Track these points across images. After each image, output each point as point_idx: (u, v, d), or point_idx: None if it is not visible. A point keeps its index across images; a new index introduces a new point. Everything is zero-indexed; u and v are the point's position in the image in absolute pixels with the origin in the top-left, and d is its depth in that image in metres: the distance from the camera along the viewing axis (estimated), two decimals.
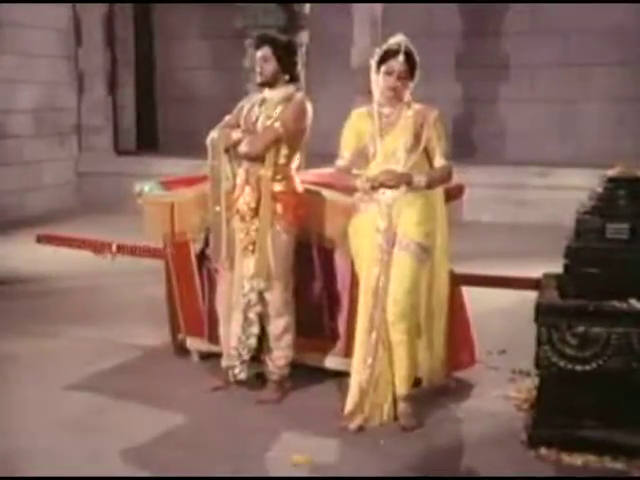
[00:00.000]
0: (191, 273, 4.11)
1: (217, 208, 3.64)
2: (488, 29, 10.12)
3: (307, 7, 7.81)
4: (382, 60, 3.32)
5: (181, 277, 4.16)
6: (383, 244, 3.34)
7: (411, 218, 3.34)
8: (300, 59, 3.77)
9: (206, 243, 3.99)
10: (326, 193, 3.71)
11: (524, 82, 10.03)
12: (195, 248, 4.05)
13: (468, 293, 3.94)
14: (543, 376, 3.22)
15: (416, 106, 3.41)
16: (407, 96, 3.39)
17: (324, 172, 4.01)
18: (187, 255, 4.09)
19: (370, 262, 3.37)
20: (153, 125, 11.35)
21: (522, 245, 7.13)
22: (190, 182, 4.09)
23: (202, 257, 4.06)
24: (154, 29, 11.29)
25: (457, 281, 3.80)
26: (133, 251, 4.81)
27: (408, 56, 3.30)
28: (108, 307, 5.33)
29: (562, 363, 3.12)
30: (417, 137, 3.35)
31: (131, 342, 4.53)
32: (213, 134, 3.64)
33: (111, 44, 10.32)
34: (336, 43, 9.59)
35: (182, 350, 4.25)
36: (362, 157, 3.44)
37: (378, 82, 3.35)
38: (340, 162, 3.47)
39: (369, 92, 3.50)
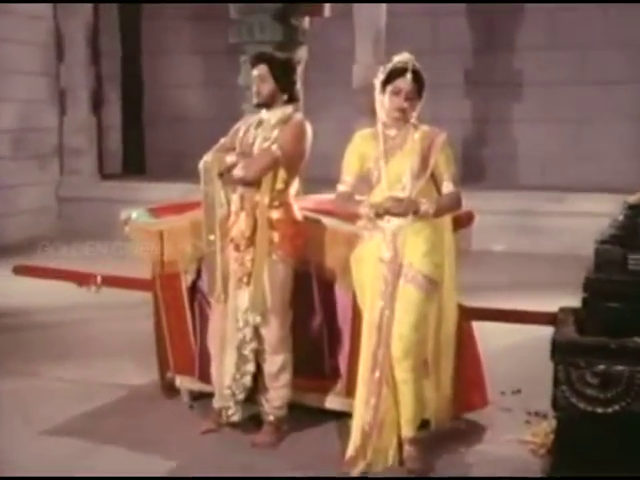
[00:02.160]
0: (182, 306, 4.13)
1: (211, 237, 3.67)
2: (500, 44, 10.21)
3: (306, 22, 7.91)
4: (388, 79, 3.36)
5: (171, 311, 4.17)
6: (388, 275, 3.36)
7: (418, 248, 3.37)
8: (299, 78, 3.83)
9: (198, 274, 4.02)
10: (326, 221, 3.75)
11: (539, 101, 10.10)
12: (186, 279, 4.07)
13: (479, 328, 3.95)
14: (561, 419, 3.22)
15: (423, 128, 3.45)
16: (414, 117, 3.44)
17: (324, 198, 4.04)
18: (177, 287, 4.11)
19: (374, 295, 3.39)
20: (141, 147, 11.41)
21: (537, 277, 7.14)
22: (181, 209, 4.12)
23: (194, 289, 4.08)
24: (142, 44, 11.38)
25: (467, 315, 3.82)
26: (119, 283, 4.83)
27: (416, 75, 3.35)
28: (91, 343, 5.33)
29: (582, 405, 3.12)
30: (424, 161, 3.38)
31: (116, 381, 4.53)
32: (206, 158, 3.68)
33: (96, 60, 10.40)
34: (337, 60, 9.68)
35: (171, 390, 4.26)
36: (365, 182, 3.47)
37: (383, 102, 3.39)
38: (342, 187, 3.50)
39: (372, 112, 3.55)
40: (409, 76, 3.33)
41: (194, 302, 4.10)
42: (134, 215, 4.14)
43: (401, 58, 3.40)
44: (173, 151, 10.84)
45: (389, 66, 3.39)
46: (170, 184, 9.16)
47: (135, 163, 11.21)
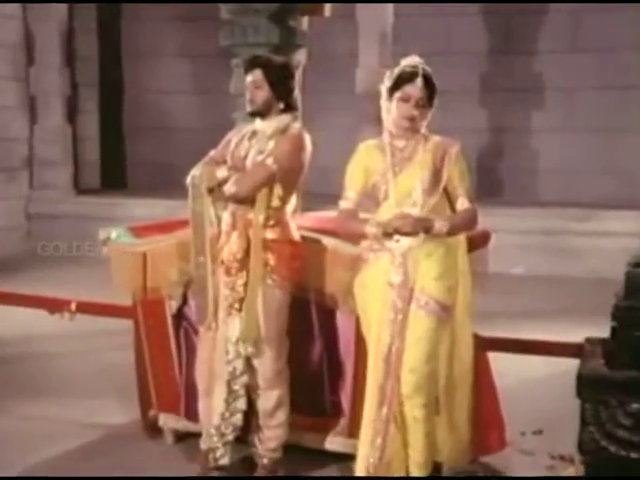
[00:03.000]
0: (166, 336, 4.13)
1: (201, 259, 3.68)
2: (518, 46, 10.27)
3: (305, 22, 7.95)
4: (396, 85, 3.39)
5: (154, 341, 4.18)
6: (397, 302, 3.37)
7: (430, 271, 3.38)
8: (297, 84, 3.85)
9: (184, 300, 4.03)
10: (327, 241, 3.76)
11: (561, 108, 10.15)
12: (171, 306, 4.07)
13: (495, 361, 3.95)
14: (590, 463, 3.20)
15: (435, 138, 3.48)
16: (424, 127, 3.46)
17: (325, 216, 4.06)
18: (161, 315, 4.11)
19: (381, 323, 3.39)
20: (121, 159, 11.46)
21: (560, 303, 7.14)
22: (166, 228, 4.14)
23: (179, 317, 4.08)
24: (122, 46, 11.45)
25: (483, 346, 3.82)
26: (96, 310, 4.83)
27: (426, 80, 3.37)
28: (65, 378, 5.31)
29: (613, 448, 3.09)
30: (436, 175, 3.40)
31: (92, 420, 4.51)
32: (194, 172, 3.69)
33: (70, 63, 10.45)
34: (339, 64, 9.75)
35: (154, 429, 4.24)
36: (371, 198, 3.49)
37: (391, 110, 3.42)
38: (345, 204, 3.52)
39: (378, 121, 3.57)
40: (419, 82, 3.36)
41: (179, 331, 4.11)
42: (114, 235, 4.15)
43: (410, 62, 3.42)
44: (157, 164, 10.87)
45: (397, 70, 3.41)
46: (154, 200, 9.19)
47: (115, 176, 11.25)
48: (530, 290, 7.72)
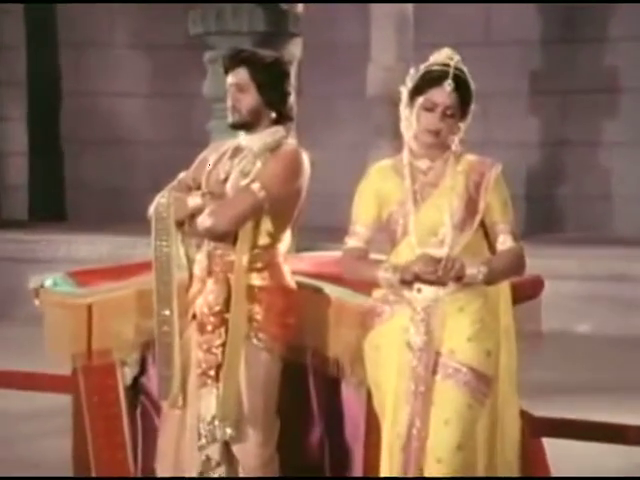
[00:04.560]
0: (116, 415, 4.16)
1: (166, 312, 3.73)
2: (582, 33, 10.30)
3: (300, 4, 7.99)
4: (418, 89, 3.46)
5: (100, 422, 4.19)
6: (418, 369, 3.41)
7: (462, 330, 3.43)
8: (292, 86, 3.93)
9: (142, 368, 4.08)
10: (330, 290, 3.82)
11: None
12: (125, 375, 4.12)
13: (552, 448, 3.99)
14: None
15: (469, 158, 3.54)
16: (456, 143, 3.53)
17: (327, 257, 4.12)
18: (111, 387, 4.14)
19: (398, 398, 3.44)
20: (58, 183, 11.41)
21: (638, 373, 7.15)
22: (118, 273, 4.20)
23: (135, 390, 4.13)
24: (59, 34, 11.43)
25: (535, 429, 3.85)
26: (21, 382, 4.84)
27: (459, 83, 3.44)
28: None
29: None
30: (470, 205, 3.46)
31: None
32: (160, 199, 3.74)
33: None
34: (345, 58, 9.81)
35: None
36: (386, 235, 3.56)
37: (412, 121, 3.49)
38: (352, 242, 3.58)
39: (396, 134, 3.65)
40: (448, 85, 3.41)
41: (135, 409, 4.15)
42: (48, 282, 4.19)
43: (440, 57, 3.47)
44: (107, 188, 10.87)
45: (423, 69, 3.47)
46: (102, 236, 9.20)
47: (49, 205, 11.19)
48: (598, 355, 7.70)
